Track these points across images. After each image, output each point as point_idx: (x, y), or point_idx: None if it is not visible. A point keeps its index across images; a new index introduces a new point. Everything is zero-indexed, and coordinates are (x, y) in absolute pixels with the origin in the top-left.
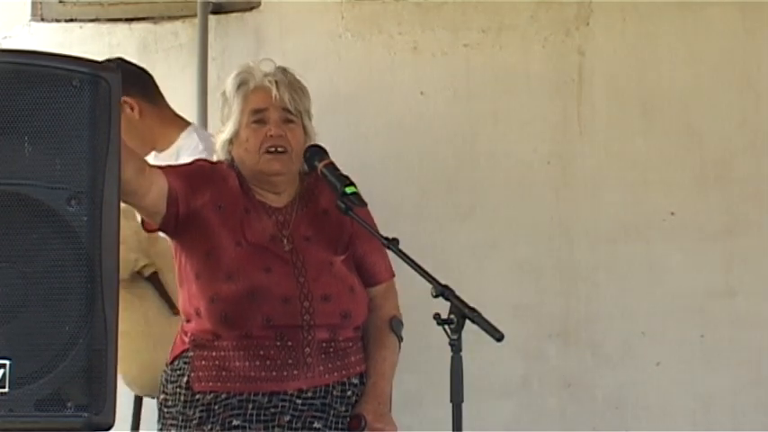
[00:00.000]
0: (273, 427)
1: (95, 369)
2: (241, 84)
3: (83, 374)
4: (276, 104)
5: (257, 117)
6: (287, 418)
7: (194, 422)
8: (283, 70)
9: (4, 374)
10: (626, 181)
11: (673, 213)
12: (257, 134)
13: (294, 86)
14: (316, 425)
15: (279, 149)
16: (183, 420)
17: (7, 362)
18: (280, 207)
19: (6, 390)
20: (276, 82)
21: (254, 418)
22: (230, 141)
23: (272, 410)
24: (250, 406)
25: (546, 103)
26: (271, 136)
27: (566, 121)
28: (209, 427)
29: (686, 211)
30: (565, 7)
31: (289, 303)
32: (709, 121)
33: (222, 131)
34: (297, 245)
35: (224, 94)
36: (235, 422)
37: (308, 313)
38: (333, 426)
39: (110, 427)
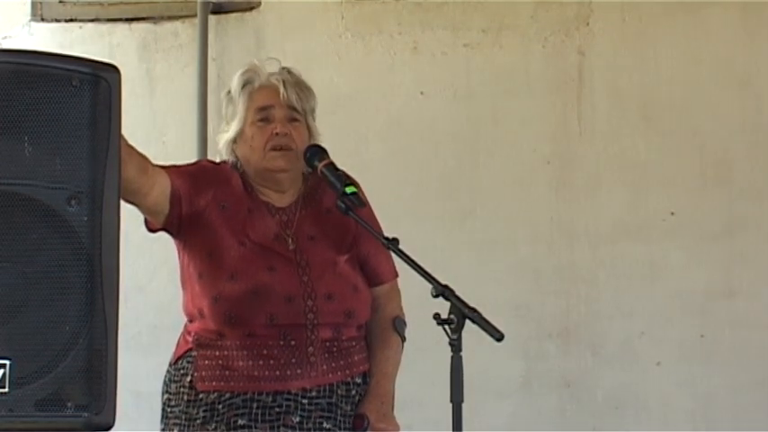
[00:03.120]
0: (279, 426)
1: (95, 369)
2: (247, 82)
3: (83, 374)
4: (282, 103)
5: (263, 115)
6: (296, 419)
7: (198, 421)
8: (289, 70)
9: (4, 374)
10: (626, 181)
11: (673, 213)
12: (263, 132)
13: (301, 86)
14: (325, 425)
15: (284, 147)
16: (186, 420)
17: (7, 362)
18: (283, 207)
19: (6, 390)
20: (283, 81)
21: (259, 417)
22: (234, 140)
23: (277, 410)
24: (254, 405)
25: (546, 103)
26: (276, 134)
27: (566, 121)
28: (214, 426)
29: (686, 211)
30: (565, 7)
31: (292, 302)
32: (709, 121)
33: (226, 130)
34: (300, 244)
35: (228, 93)
36: (240, 421)
37: (312, 312)
38: (341, 425)
39: (110, 427)
